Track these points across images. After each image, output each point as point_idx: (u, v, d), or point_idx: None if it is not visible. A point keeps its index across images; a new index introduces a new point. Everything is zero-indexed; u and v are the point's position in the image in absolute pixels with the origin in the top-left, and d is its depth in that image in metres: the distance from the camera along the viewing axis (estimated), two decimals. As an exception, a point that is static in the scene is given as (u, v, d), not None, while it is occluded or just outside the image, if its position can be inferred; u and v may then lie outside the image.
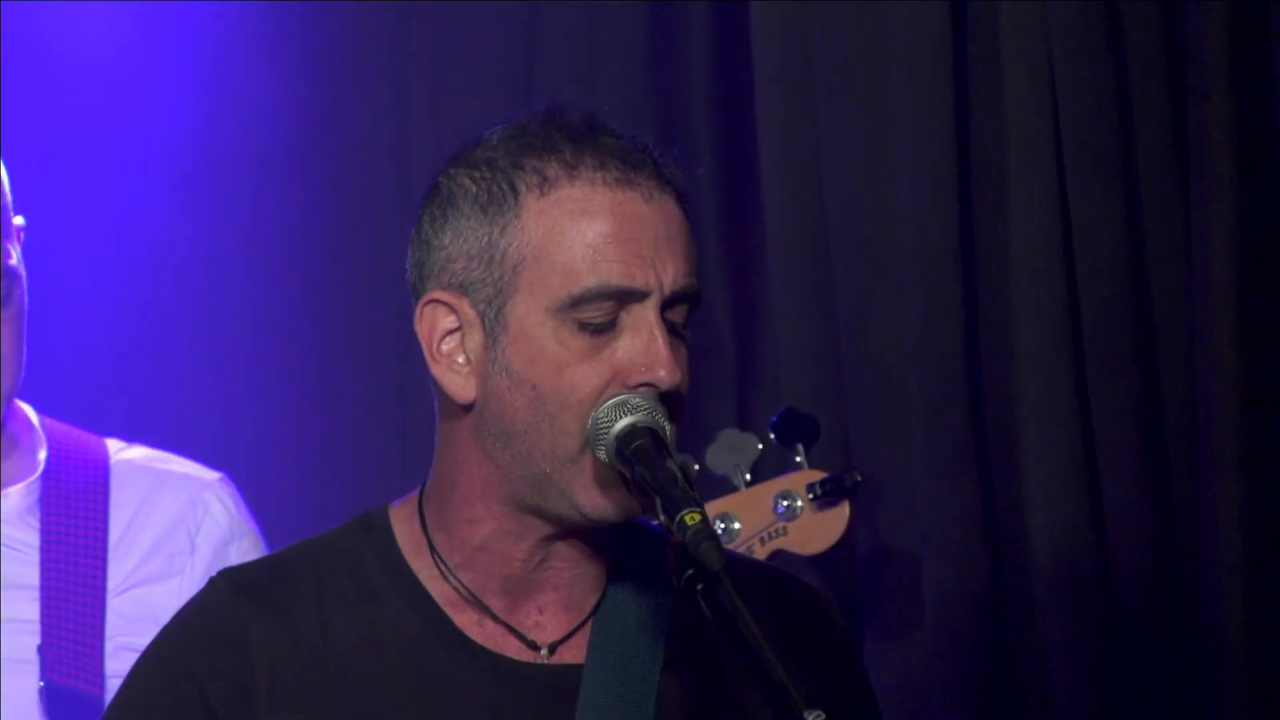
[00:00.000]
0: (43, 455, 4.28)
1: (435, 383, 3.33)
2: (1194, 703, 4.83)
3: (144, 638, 3.83)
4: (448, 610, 3.33)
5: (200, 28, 5.52)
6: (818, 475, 4.49)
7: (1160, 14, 4.86)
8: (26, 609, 4.22)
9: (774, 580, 3.49)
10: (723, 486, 4.52)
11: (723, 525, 4.48)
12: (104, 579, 4.24)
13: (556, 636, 3.34)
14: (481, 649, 3.32)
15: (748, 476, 4.55)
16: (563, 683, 3.32)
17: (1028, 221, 4.91)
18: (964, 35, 5.00)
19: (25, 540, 4.25)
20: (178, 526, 4.30)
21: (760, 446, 4.55)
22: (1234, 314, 4.72)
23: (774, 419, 4.63)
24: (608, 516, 3.27)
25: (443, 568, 3.33)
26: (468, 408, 3.30)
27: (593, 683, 3.32)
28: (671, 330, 3.25)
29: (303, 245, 5.48)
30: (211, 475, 4.35)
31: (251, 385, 5.43)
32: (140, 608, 4.23)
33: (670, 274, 3.25)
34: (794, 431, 4.55)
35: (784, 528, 4.49)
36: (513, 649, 3.32)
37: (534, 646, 3.32)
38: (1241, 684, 4.70)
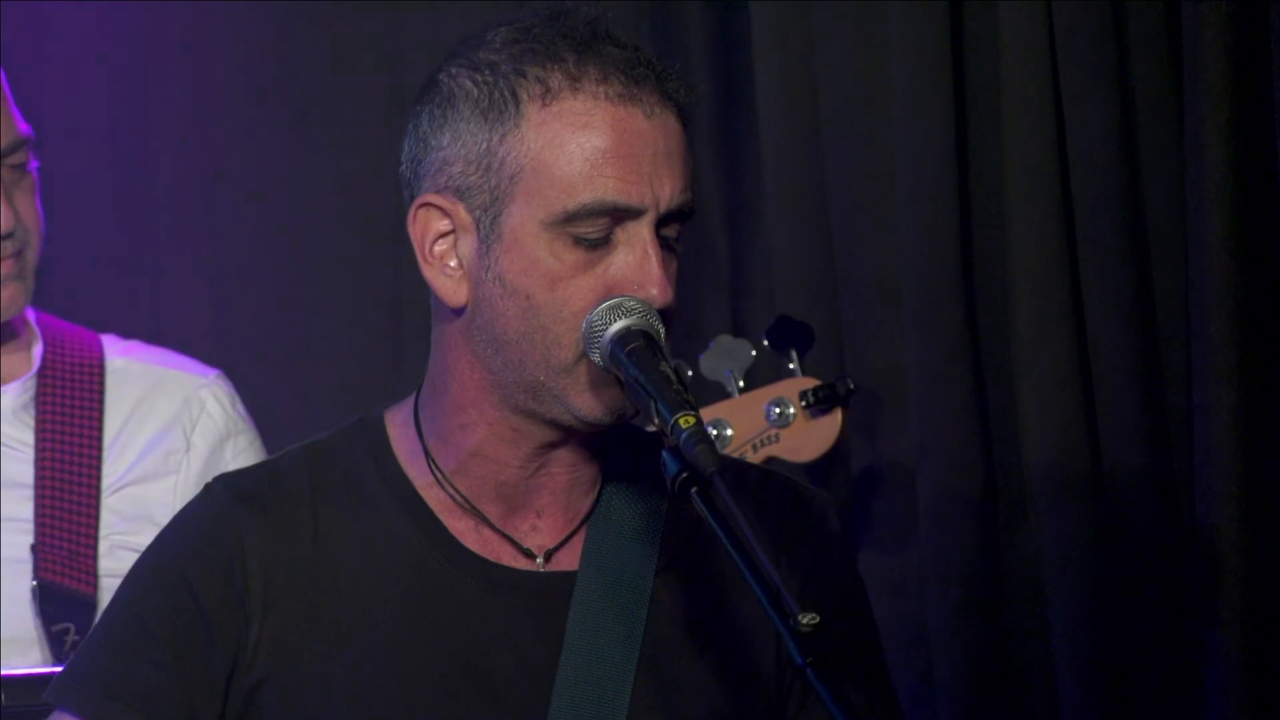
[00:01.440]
0: (38, 351, 4.24)
1: (428, 285, 3.29)
2: (1185, 606, 4.80)
3: (139, 537, 4.07)
4: (443, 517, 3.28)
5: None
6: (811, 383, 4.45)
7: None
8: (21, 507, 4.18)
9: (769, 482, 3.44)
10: (716, 392, 4.49)
11: (715, 431, 4.42)
12: (99, 477, 4.20)
13: (552, 544, 3.29)
14: (476, 557, 3.27)
15: (741, 383, 4.50)
16: (557, 590, 3.29)
17: (1022, 129, 4.83)
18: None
19: (20, 438, 4.21)
20: (174, 425, 4.28)
21: (754, 353, 4.49)
22: (1227, 218, 4.60)
23: (769, 326, 4.59)
24: (601, 419, 3.22)
25: (438, 474, 3.28)
26: (459, 311, 3.25)
27: (586, 589, 3.28)
28: (665, 245, 3.21)
29: (299, 148, 5.41)
30: (208, 373, 4.32)
31: (246, 286, 5.38)
32: (135, 506, 4.22)
33: (667, 192, 3.20)
34: (788, 339, 4.49)
35: (776, 435, 4.44)
36: (508, 557, 3.27)
37: (529, 555, 3.28)
38: (1235, 588, 4.64)
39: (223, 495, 3.33)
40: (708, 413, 4.42)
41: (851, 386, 4.47)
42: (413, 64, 5.33)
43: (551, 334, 3.21)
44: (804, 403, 4.44)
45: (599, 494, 3.32)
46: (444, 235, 3.24)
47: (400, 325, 5.13)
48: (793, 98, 5.06)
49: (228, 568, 3.29)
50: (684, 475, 3.06)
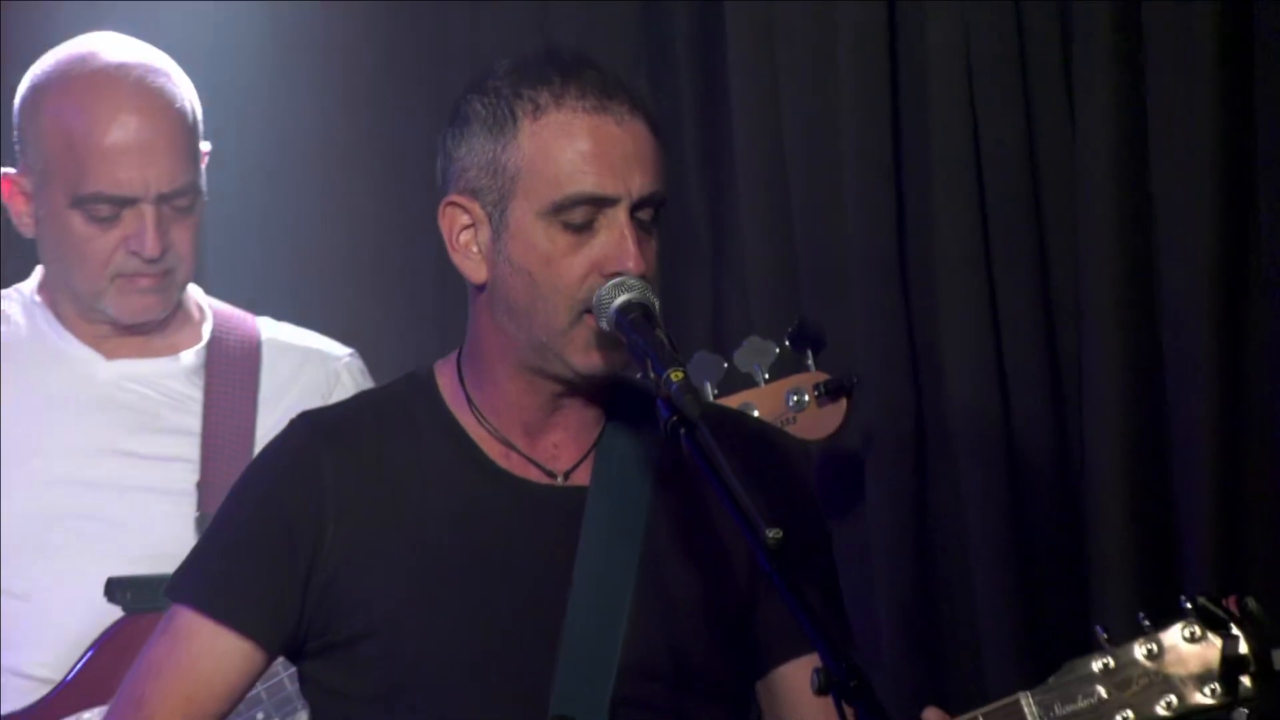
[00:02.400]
0: (208, 329, 4.41)
1: (456, 267, 3.51)
2: (1083, 530, 4.88)
3: None
4: (481, 445, 3.49)
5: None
6: (822, 377, 4.57)
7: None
8: (189, 450, 4.32)
9: (745, 425, 3.66)
10: (746, 382, 4.64)
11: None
12: (254, 429, 4.37)
13: (568, 465, 3.49)
14: (508, 475, 3.48)
15: (766, 375, 4.62)
16: (573, 501, 3.48)
17: (946, 142, 4.91)
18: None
19: (190, 395, 4.36)
20: (314, 390, 4.42)
21: (778, 351, 4.61)
22: (1109, 209, 4.78)
23: (790, 331, 4.69)
24: (596, 372, 3.42)
25: (476, 413, 3.49)
26: (482, 288, 3.46)
27: (596, 500, 3.49)
28: (641, 227, 3.40)
29: (362, 163, 5.42)
30: (344, 351, 4.48)
31: (322, 268, 5.40)
32: None
33: (637, 183, 3.39)
34: (806, 341, 4.62)
35: (794, 417, 4.56)
36: (533, 475, 3.48)
37: (550, 474, 3.48)
38: (1120, 516, 4.76)
39: (303, 429, 3.54)
40: (740, 397, 4.60)
41: (856, 380, 4.60)
42: (457, 69, 5.33)
43: (550, 303, 3.40)
44: (816, 393, 4.56)
45: (604, 428, 3.51)
46: (466, 228, 3.46)
47: (445, 298, 5.18)
48: (760, 103, 5.12)
49: (307, 487, 3.48)
50: (674, 419, 3.24)
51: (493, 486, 3.49)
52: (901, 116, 5.03)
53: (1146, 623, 3.27)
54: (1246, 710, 3.22)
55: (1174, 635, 3.26)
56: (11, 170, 4.33)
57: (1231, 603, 3.25)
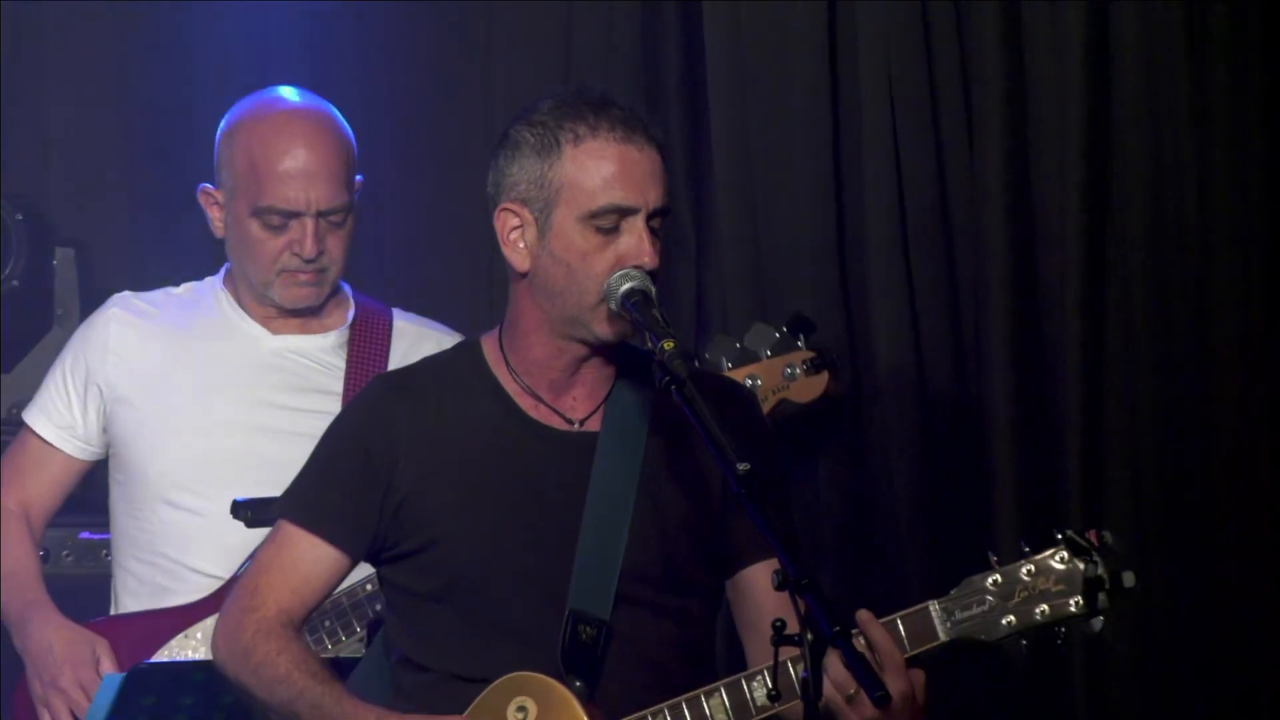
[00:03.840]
0: (351, 314, 4.56)
1: (505, 259, 3.62)
2: (980, 467, 4.91)
3: None
4: (515, 399, 3.64)
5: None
6: (811, 354, 4.54)
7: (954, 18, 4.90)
8: (332, 406, 4.35)
9: (718, 382, 3.79)
10: (752, 358, 4.61)
11: (750, 381, 4.54)
12: None
13: (583, 414, 3.65)
14: (535, 421, 3.64)
15: (768, 353, 4.60)
16: (586, 443, 3.62)
17: (875, 159, 4.95)
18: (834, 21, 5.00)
19: (335, 364, 4.51)
20: None
21: (778, 335, 4.58)
22: (1000, 201, 4.86)
23: (789, 320, 4.65)
24: (611, 340, 3.57)
25: (513, 374, 3.65)
26: (524, 275, 3.60)
27: (605, 442, 3.63)
28: (653, 232, 3.56)
29: (423, 173, 5.42)
30: (456, 335, 4.53)
31: (404, 265, 5.42)
32: None
33: (652, 197, 3.55)
34: (800, 328, 4.57)
35: (787, 385, 4.55)
36: (556, 422, 3.64)
37: (569, 421, 3.64)
38: (1008, 453, 4.83)
39: (380, 386, 3.71)
40: (746, 370, 4.59)
41: (837, 356, 4.58)
42: (490, 127, 5.21)
43: (583, 286, 3.55)
44: (805, 367, 4.53)
45: (614, 386, 3.65)
46: (515, 228, 3.59)
47: (491, 282, 5.20)
48: (732, 103, 5.11)
49: (383, 431, 3.63)
50: (667, 378, 3.41)
51: (524, 431, 3.63)
52: (841, 132, 5.03)
53: (1027, 549, 3.44)
54: (1102, 618, 3.40)
55: (1048, 559, 3.42)
56: (210, 186, 4.48)
57: (1093, 535, 3.42)
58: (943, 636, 3.44)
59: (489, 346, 3.70)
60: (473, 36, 5.38)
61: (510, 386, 3.66)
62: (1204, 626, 4.63)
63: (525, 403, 3.66)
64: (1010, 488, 4.83)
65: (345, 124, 4.49)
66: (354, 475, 3.64)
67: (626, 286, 3.52)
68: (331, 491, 3.66)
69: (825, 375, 4.47)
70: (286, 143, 4.40)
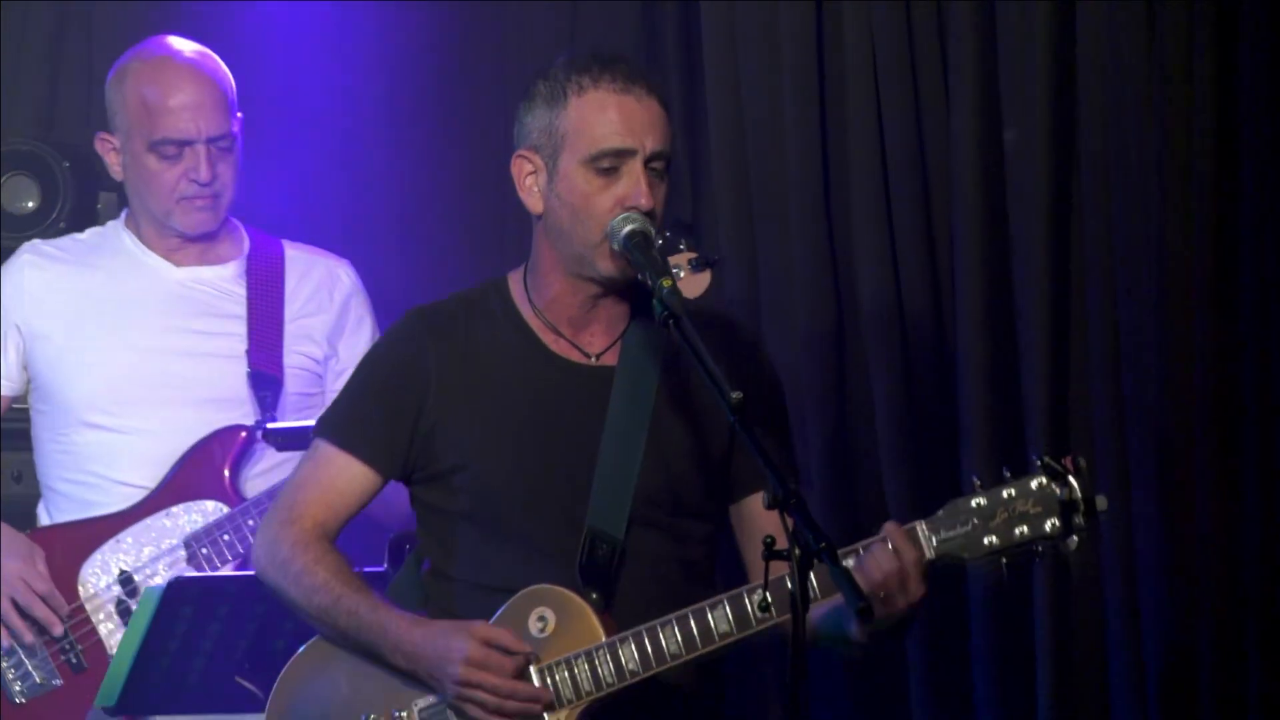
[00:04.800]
0: (247, 245, 4.61)
1: (522, 202, 3.64)
2: (955, 398, 4.87)
3: (305, 346, 4.54)
4: (537, 333, 3.66)
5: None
6: (693, 254, 3.90)
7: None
8: (237, 327, 4.51)
9: (717, 315, 3.71)
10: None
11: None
12: (281, 313, 4.56)
13: (601, 349, 3.66)
14: (556, 355, 3.65)
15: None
16: (604, 375, 3.64)
17: (861, 159, 4.96)
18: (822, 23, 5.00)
19: (237, 291, 4.57)
20: (320, 285, 4.62)
21: (660, 241, 4.13)
22: (974, 158, 4.83)
23: (669, 226, 4.21)
24: (614, 276, 3.57)
25: (535, 310, 3.66)
26: (539, 217, 3.62)
27: (620, 376, 3.65)
28: (655, 174, 3.57)
29: (449, 128, 5.46)
30: (339, 260, 4.64)
31: (427, 210, 5.48)
32: (302, 329, 4.57)
33: (650, 142, 3.55)
34: (679, 232, 4.01)
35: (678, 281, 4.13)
36: (575, 355, 3.65)
37: (587, 355, 3.66)
38: (982, 388, 4.81)
39: (414, 319, 3.70)
40: None
41: (717, 258, 4.16)
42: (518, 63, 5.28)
43: (586, 226, 3.57)
44: (690, 267, 4.18)
45: (629, 323, 3.66)
46: (530, 173, 3.61)
47: (517, 224, 4.81)
48: (725, 95, 5.12)
49: (415, 361, 3.64)
50: (665, 314, 3.43)
51: (545, 364, 3.64)
52: (826, 96, 5.02)
53: (1008, 474, 3.43)
54: (1076, 538, 3.39)
55: (1027, 483, 3.41)
56: (105, 133, 4.55)
57: (1069, 461, 3.41)
58: (929, 554, 3.44)
59: (514, 284, 3.72)
60: (483, 37, 5.46)
61: (533, 321, 3.68)
62: (1160, 546, 4.65)
63: (547, 337, 3.67)
64: (982, 416, 4.83)
65: (223, 64, 4.57)
66: (388, 400, 3.66)
67: (627, 229, 3.53)
68: (366, 415, 3.68)
69: (707, 274, 4.18)
70: (173, 81, 4.47)
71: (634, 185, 3.56)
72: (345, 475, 3.68)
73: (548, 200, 3.61)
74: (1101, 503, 3.41)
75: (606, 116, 3.56)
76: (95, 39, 5.46)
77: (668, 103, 3.62)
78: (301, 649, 3.71)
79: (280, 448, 4.36)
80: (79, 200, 5.24)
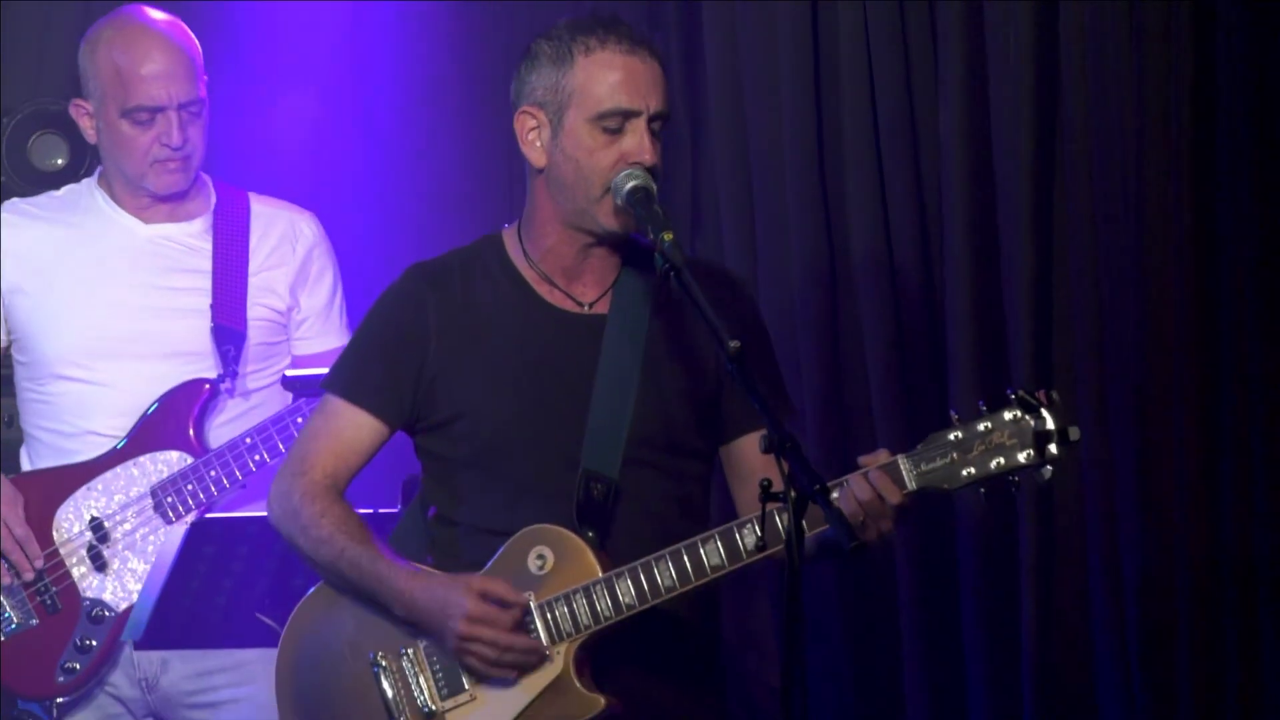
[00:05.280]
0: (213, 200, 4.60)
1: (524, 156, 3.64)
2: (942, 338, 4.91)
3: (268, 299, 4.54)
4: (532, 284, 3.67)
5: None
6: None
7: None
8: (203, 284, 4.52)
9: (712, 268, 3.75)
10: None
11: None
12: (246, 267, 4.56)
13: (593, 298, 3.67)
14: (550, 304, 3.66)
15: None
16: (596, 324, 3.65)
17: (854, 154, 4.99)
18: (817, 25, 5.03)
19: (203, 247, 4.55)
20: (284, 239, 4.61)
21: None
22: (961, 128, 4.82)
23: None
24: (615, 231, 3.59)
25: (530, 262, 3.66)
26: (541, 171, 3.62)
27: (612, 323, 3.65)
28: (653, 133, 3.58)
29: (454, 89, 5.48)
30: (303, 212, 4.64)
31: (435, 172, 5.49)
32: (265, 283, 4.57)
33: (653, 102, 3.57)
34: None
35: None
36: (569, 305, 3.66)
37: (579, 304, 3.66)
38: (967, 325, 4.83)
39: (414, 274, 3.70)
40: None
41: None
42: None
43: (589, 181, 3.58)
44: None
45: (620, 272, 3.66)
46: (533, 129, 3.61)
47: (512, 179, 5.11)
48: (725, 87, 5.15)
49: (416, 314, 3.65)
50: (667, 266, 3.44)
51: (540, 313, 3.65)
52: (821, 79, 5.05)
53: (984, 407, 3.44)
54: (1050, 468, 3.41)
55: (1003, 416, 3.42)
56: (79, 99, 4.55)
57: (1042, 394, 3.42)
58: (910, 485, 3.45)
59: (508, 238, 3.73)
60: (493, 35, 5.46)
61: (528, 273, 3.69)
62: (1137, 473, 4.67)
63: (541, 288, 3.68)
64: (967, 354, 4.85)
65: (190, 32, 4.58)
66: (391, 354, 3.67)
67: (631, 184, 3.54)
68: (371, 368, 3.69)
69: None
70: (144, 49, 4.48)
71: (638, 143, 3.56)
72: (353, 427, 3.69)
73: (551, 155, 3.61)
74: (1074, 433, 3.41)
75: (613, 77, 3.56)
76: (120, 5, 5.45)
77: (666, 64, 3.64)
78: (311, 590, 3.73)
79: (297, 395, 4.39)
80: None
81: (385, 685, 3.63)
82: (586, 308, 3.69)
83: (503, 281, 3.69)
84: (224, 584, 4.09)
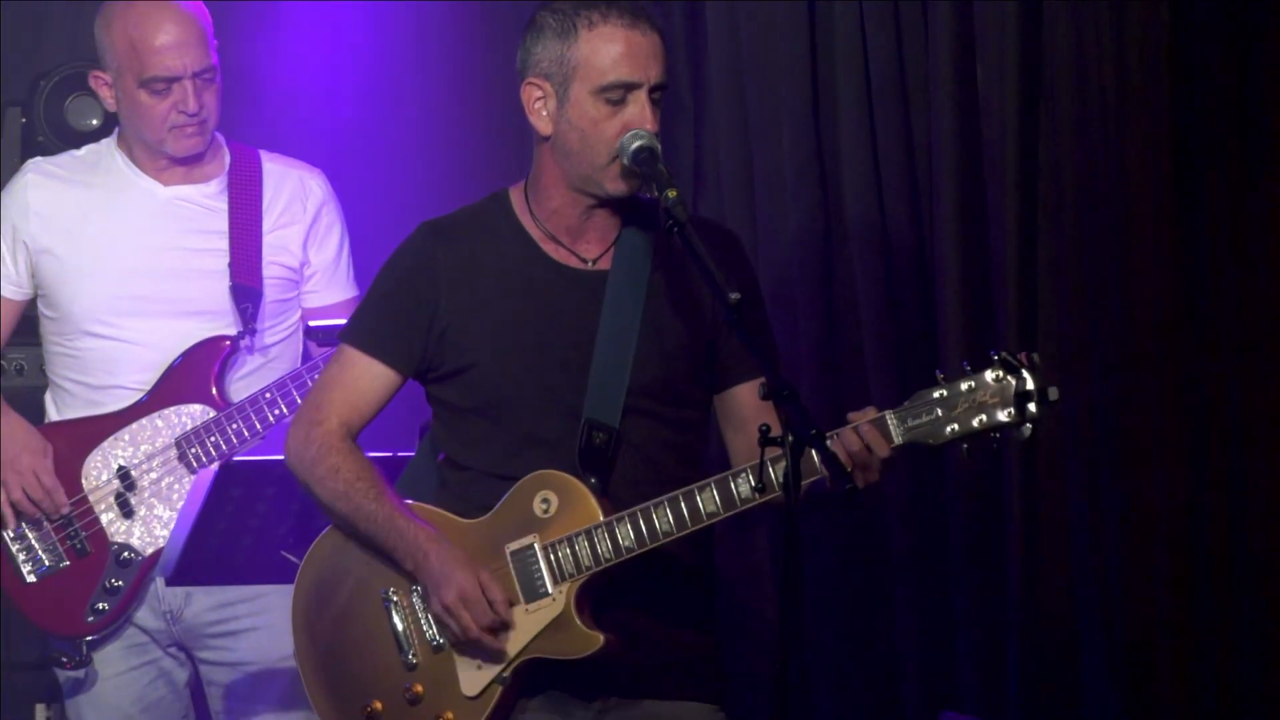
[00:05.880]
0: (227, 161, 4.63)
1: (530, 124, 3.65)
2: (931, 302, 4.90)
3: (281, 256, 4.57)
4: (538, 242, 3.67)
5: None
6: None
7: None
8: (220, 243, 4.56)
9: (711, 226, 3.75)
10: None
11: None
12: (260, 225, 4.59)
13: (596, 254, 3.68)
14: (555, 261, 3.67)
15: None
16: (598, 279, 3.66)
17: (850, 147, 5.00)
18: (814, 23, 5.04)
19: (219, 206, 4.59)
20: (295, 196, 4.63)
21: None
22: (949, 103, 4.81)
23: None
24: (620, 193, 3.61)
25: (536, 220, 3.67)
26: (547, 138, 3.63)
27: (614, 278, 3.66)
28: (655, 102, 3.59)
29: (467, 69, 5.50)
30: (312, 170, 4.67)
31: (450, 147, 5.51)
32: (278, 240, 4.59)
33: (653, 74, 3.58)
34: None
35: None
36: (573, 261, 3.67)
37: (584, 260, 3.67)
38: (955, 287, 4.81)
39: (426, 231, 3.71)
40: None
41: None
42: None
43: (594, 149, 3.59)
44: None
45: (621, 230, 3.67)
46: (539, 99, 3.61)
47: (521, 143, 4.79)
48: (725, 59, 5.17)
49: (429, 267, 3.66)
50: (671, 222, 3.47)
51: (545, 269, 3.67)
52: (817, 48, 5.05)
53: (968, 367, 3.45)
54: (1030, 426, 3.41)
55: (986, 376, 3.43)
56: (98, 70, 4.58)
57: (1023, 356, 3.43)
58: (896, 440, 3.47)
59: (515, 197, 3.74)
60: (506, 32, 5.42)
61: (534, 231, 3.70)
62: (1118, 433, 4.66)
63: (546, 245, 3.70)
64: (956, 316, 4.85)
65: (202, 6, 4.60)
66: (403, 307, 3.69)
67: (637, 144, 3.56)
68: (385, 320, 3.71)
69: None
70: (157, 21, 4.50)
71: (640, 112, 3.58)
72: (368, 377, 3.70)
73: (557, 124, 3.61)
74: (1053, 393, 3.42)
75: (616, 50, 3.57)
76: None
77: (666, 37, 3.65)
78: (326, 529, 3.75)
79: (321, 343, 4.46)
80: None
81: (396, 619, 3.65)
82: (590, 264, 3.70)
83: (510, 239, 3.70)
84: (250, 524, 4.12)
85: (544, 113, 3.62)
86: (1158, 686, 4.56)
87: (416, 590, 3.64)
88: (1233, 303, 4.50)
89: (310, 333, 4.44)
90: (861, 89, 5.00)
